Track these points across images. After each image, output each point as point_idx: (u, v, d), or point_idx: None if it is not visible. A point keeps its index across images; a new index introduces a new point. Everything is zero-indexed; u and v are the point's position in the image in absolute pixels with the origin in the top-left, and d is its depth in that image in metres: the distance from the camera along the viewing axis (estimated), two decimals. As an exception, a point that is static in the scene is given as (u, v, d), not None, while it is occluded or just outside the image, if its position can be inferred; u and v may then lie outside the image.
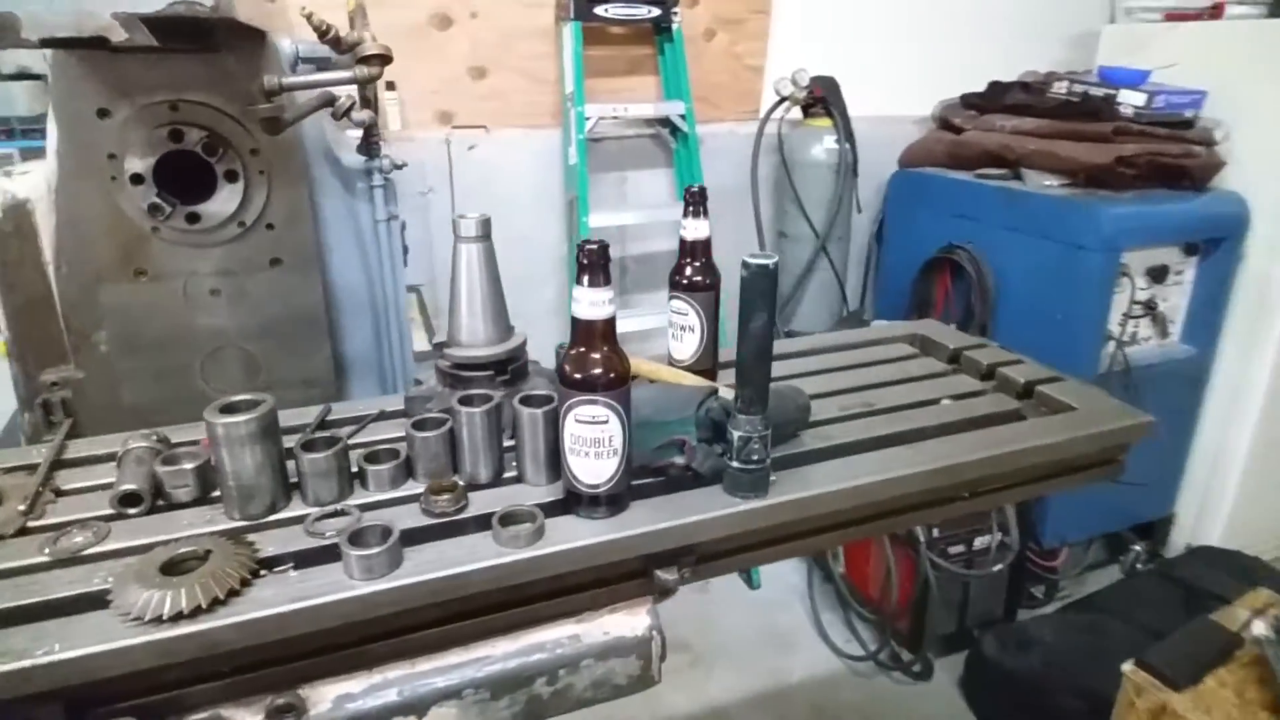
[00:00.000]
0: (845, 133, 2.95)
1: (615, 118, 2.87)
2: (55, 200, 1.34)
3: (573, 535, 0.87)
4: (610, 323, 0.86)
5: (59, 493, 0.96)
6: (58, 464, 1.03)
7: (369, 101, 1.57)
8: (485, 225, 1.10)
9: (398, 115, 2.83)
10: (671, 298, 1.20)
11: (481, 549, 0.84)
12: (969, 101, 3.03)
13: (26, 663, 0.69)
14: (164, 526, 0.89)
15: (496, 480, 0.99)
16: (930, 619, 2.34)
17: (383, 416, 1.15)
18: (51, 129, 1.32)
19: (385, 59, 1.27)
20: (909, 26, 3.31)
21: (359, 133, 1.53)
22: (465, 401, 0.97)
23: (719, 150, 3.15)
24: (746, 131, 3.16)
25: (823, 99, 2.96)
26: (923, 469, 1.00)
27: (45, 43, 1.00)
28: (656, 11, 2.83)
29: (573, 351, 0.86)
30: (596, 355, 0.85)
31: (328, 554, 0.83)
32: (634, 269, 3.22)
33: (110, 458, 1.02)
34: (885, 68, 3.29)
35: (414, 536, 0.86)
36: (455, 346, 1.10)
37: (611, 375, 0.85)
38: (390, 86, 2.76)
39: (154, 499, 0.93)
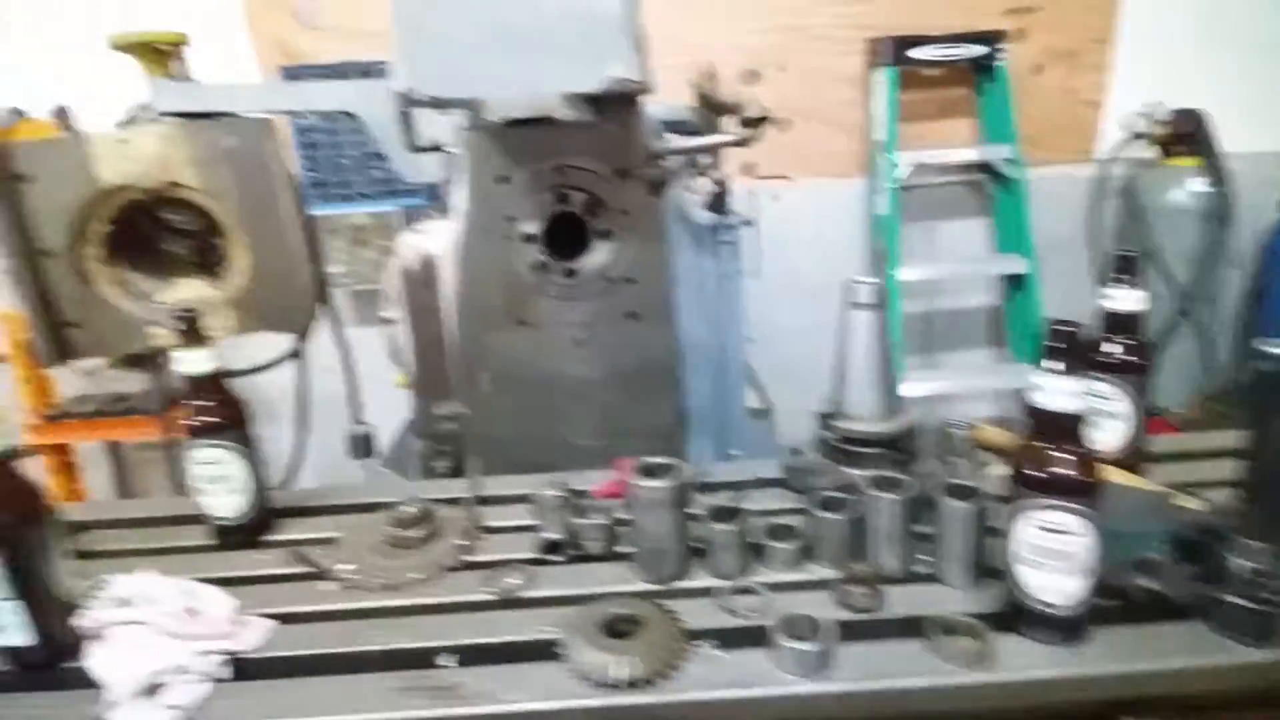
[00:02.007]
0: (1216, 174, 2.51)
1: (931, 165, 2.71)
2: (458, 256, 1.51)
3: (1028, 662, 0.75)
4: (1082, 418, 0.74)
5: (485, 529, 1.05)
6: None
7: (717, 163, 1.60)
8: (880, 293, 1.03)
9: (705, 166, 2.92)
10: (1092, 378, 1.04)
11: (919, 661, 0.76)
12: (1401, 132, 2.43)
13: (497, 708, 0.73)
14: (581, 578, 0.93)
15: (906, 575, 0.90)
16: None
17: (761, 484, 1.12)
18: (460, 193, 1.49)
19: (769, 120, 1.27)
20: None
21: (699, 190, 1.57)
22: (878, 484, 0.90)
23: (1046, 195, 2.84)
24: (1080, 175, 2.83)
25: (1187, 136, 2.55)
26: None
27: (508, 122, 1.11)
28: (980, 50, 2.64)
29: (1034, 444, 0.75)
30: (1067, 455, 0.74)
31: (748, 635, 0.80)
32: (940, 324, 3.00)
33: (517, 499, 1.09)
34: (1266, 95, 2.77)
35: (830, 629, 0.80)
36: (845, 419, 1.04)
37: (1087, 479, 0.73)
38: (701, 140, 2.87)
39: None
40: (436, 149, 1.68)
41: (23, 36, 2.51)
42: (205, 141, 1.41)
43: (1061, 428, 0.74)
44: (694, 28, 2.69)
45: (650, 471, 0.91)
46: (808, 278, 2.90)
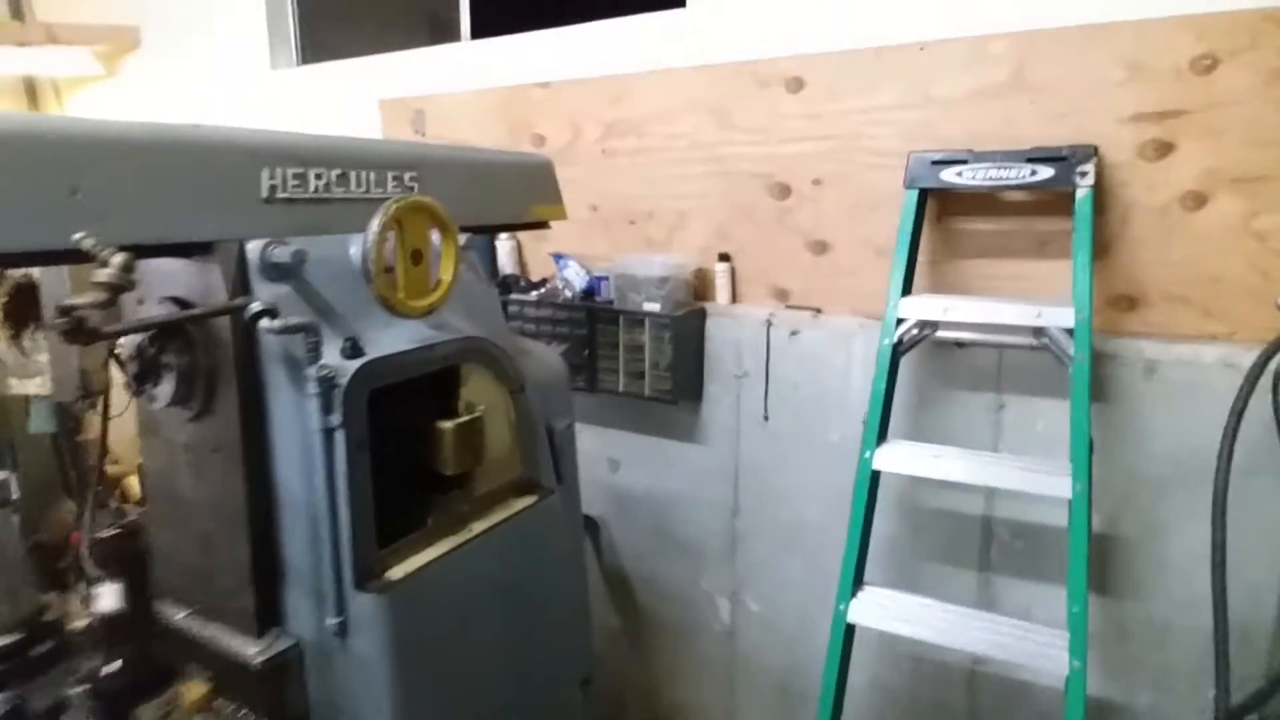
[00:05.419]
0: None
1: (943, 323, 1.94)
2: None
3: None
4: None
5: None
6: None
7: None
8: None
9: (727, 287, 2.54)
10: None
11: None
12: None
13: None
14: None
15: None
16: None
17: None
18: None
19: (115, 288, 1.08)
20: None
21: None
22: None
23: (1200, 387, 1.83)
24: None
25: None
26: None
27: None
28: (1047, 172, 1.82)
29: None
30: None
31: None
32: (1005, 541, 2.10)
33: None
34: None
35: None
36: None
37: None
38: (724, 258, 2.51)
39: None
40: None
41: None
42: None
43: None
44: (726, 136, 2.43)
45: None
46: (819, 431, 2.34)
